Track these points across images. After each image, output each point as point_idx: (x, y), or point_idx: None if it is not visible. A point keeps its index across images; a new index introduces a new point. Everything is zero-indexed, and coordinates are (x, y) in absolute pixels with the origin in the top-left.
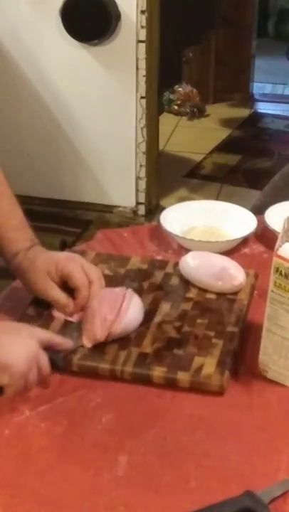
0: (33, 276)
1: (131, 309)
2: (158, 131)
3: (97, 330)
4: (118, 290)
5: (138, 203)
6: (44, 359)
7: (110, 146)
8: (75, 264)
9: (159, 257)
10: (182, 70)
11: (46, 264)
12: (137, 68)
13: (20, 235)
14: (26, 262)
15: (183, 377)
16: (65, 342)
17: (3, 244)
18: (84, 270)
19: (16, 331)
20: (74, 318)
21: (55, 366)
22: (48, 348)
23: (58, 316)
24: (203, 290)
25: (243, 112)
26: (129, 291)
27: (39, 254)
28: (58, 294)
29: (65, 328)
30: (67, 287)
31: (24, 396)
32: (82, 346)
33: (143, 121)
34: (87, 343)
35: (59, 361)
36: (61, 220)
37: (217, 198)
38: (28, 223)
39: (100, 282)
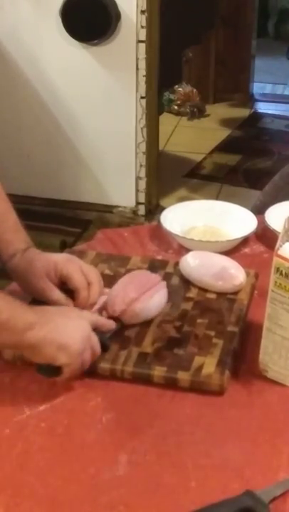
0: (32, 278)
1: (155, 297)
2: (158, 131)
3: (117, 303)
4: (153, 277)
5: (138, 203)
6: (95, 339)
7: (110, 146)
8: (73, 265)
9: (160, 257)
10: (182, 70)
11: (45, 265)
12: (137, 68)
13: (16, 236)
14: (24, 264)
15: (183, 376)
16: (109, 323)
17: None
18: (83, 271)
19: (68, 313)
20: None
21: (102, 346)
22: (94, 329)
23: None
24: (203, 290)
25: (243, 112)
26: (163, 282)
27: (36, 255)
28: (57, 296)
29: None
30: (66, 288)
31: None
32: (123, 326)
33: (143, 121)
34: (104, 315)
35: (106, 341)
36: (61, 220)
37: (217, 198)
38: (28, 223)
39: (98, 284)
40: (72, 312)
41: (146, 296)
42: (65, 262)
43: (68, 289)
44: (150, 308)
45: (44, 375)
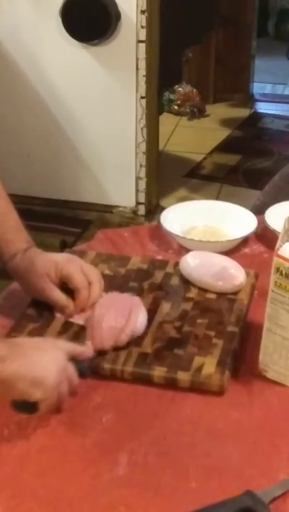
0: (33, 278)
1: (139, 320)
2: (158, 131)
3: (104, 338)
4: (126, 297)
5: (138, 203)
6: (72, 370)
7: (110, 146)
8: (74, 265)
9: (160, 257)
10: (182, 70)
11: (45, 265)
12: (137, 68)
13: (17, 236)
14: (25, 264)
15: (183, 377)
16: (86, 351)
17: (0, 246)
18: (83, 271)
19: (42, 345)
20: (79, 320)
21: (81, 375)
22: (71, 358)
23: (60, 316)
24: (203, 290)
25: (243, 112)
26: (137, 299)
27: (37, 255)
28: (57, 295)
29: (67, 329)
30: (66, 288)
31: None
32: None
33: (143, 121)
34: (91, 349)
35: (85, 370)
36: (61, 220)
37: (217, 198)
38: (28, 223)
39: (99, 283)
40: (46, 344)
41: (131, 324)
42: (66, 262)
43: (69, 289)
44: (135, 333)
45: (19, 411)
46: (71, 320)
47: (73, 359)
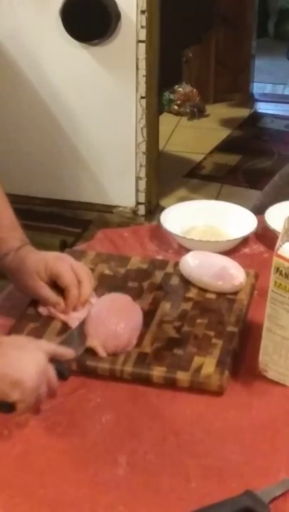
0: (23, 276)
1: (138, 321)
2: (158, 131)
3: (119, 343)
4: (122, 298)
5: (138, 203)
6: (52, 371)
7: (110, 146)
8: (63, 263)
9: (160, 257)
10: (182, 70)
11: (35, 264)
12: (137, 68)
13: (11, 235)
14: (16, 262)
15: (182, 377)
16: (67, 352)
17: None
18: (73, 269)
19: (23, 345)
20: (74, 323)
21: (60, 376)
22: (52, 359)
23: (42, 310)
24: (203, 290)
25: (243, 112)
26: (136, 307)
27: (29, 254)
28: (47, 293)
29: (67, 329)
30: (58, 287)
31: (35, 409)
32: (86, 353)
33: (143, 121)
34: (102, 353)
35: (65, 372)
36: (61, 220)
37: (217, 198)
38: (28, 223)
39: (89, 282)
40: (28, 343)
41: (135, 329)
42: (55, 260)
43: (60, 288)
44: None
45: None
46: (64, 319)
47: (54, 360)
